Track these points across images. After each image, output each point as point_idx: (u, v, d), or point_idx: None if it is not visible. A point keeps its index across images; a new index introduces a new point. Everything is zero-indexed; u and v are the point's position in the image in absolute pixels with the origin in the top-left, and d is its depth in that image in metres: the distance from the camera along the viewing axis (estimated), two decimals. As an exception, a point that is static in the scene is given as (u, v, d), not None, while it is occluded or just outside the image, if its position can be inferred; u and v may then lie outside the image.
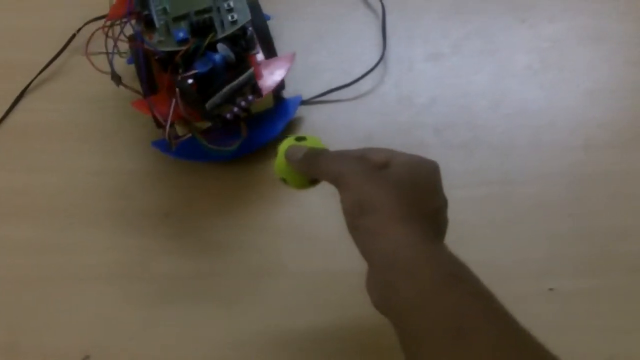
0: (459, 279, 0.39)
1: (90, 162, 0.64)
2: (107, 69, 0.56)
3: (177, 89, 0.54)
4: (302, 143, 0.48)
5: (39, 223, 0.61)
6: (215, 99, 0.55)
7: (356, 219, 0.41)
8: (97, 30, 0.58)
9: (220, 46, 0.56)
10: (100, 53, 0.57)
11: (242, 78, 0.55)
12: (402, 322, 0.38)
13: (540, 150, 0.64)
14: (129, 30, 0.57)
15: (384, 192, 0.40)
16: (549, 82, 0.67)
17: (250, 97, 0.56)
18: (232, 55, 0.56)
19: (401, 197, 0.40)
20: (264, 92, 0.58)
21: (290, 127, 0.65)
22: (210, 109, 0.55)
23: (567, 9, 0.71)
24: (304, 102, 0.66)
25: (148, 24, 0.57)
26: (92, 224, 0.61)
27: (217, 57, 0.55)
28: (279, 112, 0.64)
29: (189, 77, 0.54)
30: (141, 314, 0.57)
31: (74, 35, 0.69)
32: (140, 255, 0.60)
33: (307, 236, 0.60)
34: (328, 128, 0.65)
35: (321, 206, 0.61)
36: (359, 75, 0.67)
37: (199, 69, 0.55)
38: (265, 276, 0.59)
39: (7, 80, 0.68)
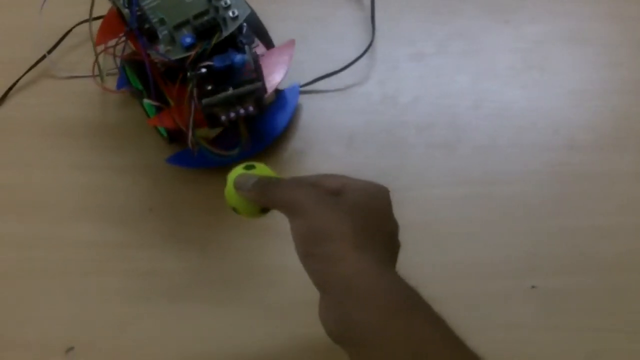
0: (415, 305, 0.37)
1: (75, 158, 0.61)
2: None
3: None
4: (252, 171, 0.45)
5: (23, 218, 0.58)
6: (213, 99, 0.52)
7: (312, 246, 0.38)
8: (101, 52, 0.56)
9: (248, 49, 0.53)
10: (84, 77, 0.57)
11: (248, 88, 0.53)
12: (360, 350, 0.36)
13: (523, 150, 0.60)
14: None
15: (340, 219, 0.38)
16: (531, 83, 0.64)
17: (250, 109, 0.54)
18: (252, 63, 0.53)
19: (357, 223, 0.38)
20: (271, 88, 0.56)
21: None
22: (205, 106, 0.52)
23: (549, 10, 0.68)
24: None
25: (149, 37, 0.53)
26: (77, 218, 0.58)
27: (237, 57, 0.52)
28: (279, 104, 0.61)
29: (204, 66, 0.52)
30: (125, 307, 0.54)
31: (62, 38, 0.65)
32: (124, 250, 0.57)
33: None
34: (312, 127, 0.62)
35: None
36: (344, 74, 0.63)
37: (216, 62, 0.52)
38: (248, 275, 0.56)
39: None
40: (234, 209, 0.45)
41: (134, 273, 0.56)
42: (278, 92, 0.61)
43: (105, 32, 0.55)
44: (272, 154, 0.60)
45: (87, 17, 0.58)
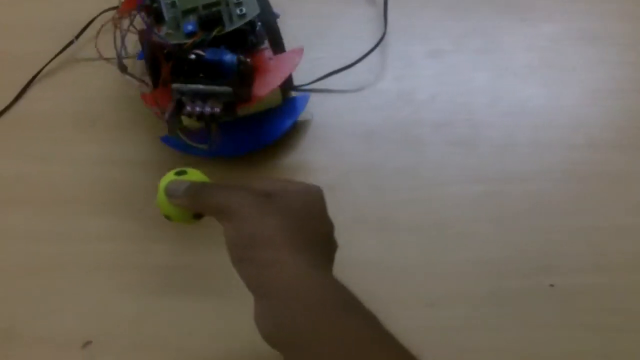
0: (350, 306, 0.37)
1: (93, 152, 0.60)
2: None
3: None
4: (183, 177, 0.44)
5: (40, 211, 0.58)
6: (183, 86, 0.51)
7: (244, 251, 0.37)
8: (107, 22, 0.55)
9: (241, 54, 0.53)
10: (110, 58, 0.55)
11: (216, 89, 0.51)
12: (296, 353, 0.36)
13: (540, 149, 0.60)
14: (140, 26, 0.55)
15: (274, 222, 0.37)
16: (549, 81, 0.63)
17: (216, 110, 0.52)
18: (241, 67, 0.52)
19: (291, 226, 0.38)
20: (262, 94, 0.54)
21: (296, 127, 0.61)
22: (174, 90, 0.51)
23: (566, 9, 0.68)
24: (298, 88, 0.62)
25: (157, 17, 0.54)
26: (93, 213, 0.58)
27: (228, 56, 0.52)
28: (286, 110, 0.59)
29: (194, 53, 0.51)
30: (142, 302, 0.54)
31: (86, 27, 0.65)
32: (141, 244, 0.56)
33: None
34: (328, 125, 0.61)
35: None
36: (360, 71, 0.63)
37: (207, 54, 0.51)
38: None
39: (17, 70, 0.64)
40: (167, 217, 0.44)
41: (152, 268, 0.55)
42: (287, 98, 0.60)
43: (128, 4, 0.55)
44: (288, 151, 0.60)
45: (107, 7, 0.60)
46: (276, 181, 0.41)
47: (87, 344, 0.52)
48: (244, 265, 0.38)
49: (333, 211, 0.56)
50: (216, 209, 0.40)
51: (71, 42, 0.64)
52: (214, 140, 0.54)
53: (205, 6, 0.53)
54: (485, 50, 0.65)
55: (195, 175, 0.44)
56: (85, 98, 0.63)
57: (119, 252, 0.56)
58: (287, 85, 0.58)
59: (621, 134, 0.60)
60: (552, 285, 0.52)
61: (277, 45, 0.57)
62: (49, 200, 0.58)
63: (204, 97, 0.52)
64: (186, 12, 0.54)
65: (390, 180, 0.58)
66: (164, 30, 0.53)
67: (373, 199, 0.58)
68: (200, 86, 0.51)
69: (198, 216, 0.44)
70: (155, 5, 0.54)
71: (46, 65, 0.64)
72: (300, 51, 0.57)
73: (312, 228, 0.39)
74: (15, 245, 0.56)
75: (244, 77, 0.53)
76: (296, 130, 0.61)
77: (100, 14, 0.64)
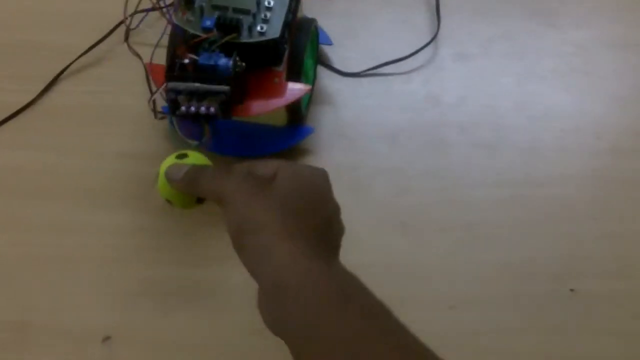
0: (349, 297, 0.35)
1: (118, 146, 0.60)
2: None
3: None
4: (184, 161, 0.42)
5: (63, 203, 0.57)
6: (179, 85, 0.50)
7: (242, 238, 0.36)
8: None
9: (234, 57, 0.51)
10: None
11: (214, 87, 0.49)
12: (296, 345, 0.34)
13: (565, 154, 0.59)
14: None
15: (269, 209, 0.36)
16: (575, 87, 0.63)
17: (212, 109, 0.50)
18: (237, 69, 0.51)
19: (287, 212, 0.36)
20: (246, 111, 0.52)
21: (323, 125, 0.60)
22: (170, 89, 0.50)
23: (594, 15, 0.67)
24: (350, 75, 0.62)
25: (187, 1, 0.52)
26: (116, 207, 0.57)
27: (223, 60, 0.50)
28: (286, 133, 0.58)
29: (190, 57, 0.50)
30: (163, 298, 0.53)
31: (120, 23, 0.64)
32: (162, 240, 0.55)
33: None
34: (355, 124, 0.61)
35: (349, 198, 0.56)
36: (388, 72, 0.63)
37: (201, 59, 0.50)
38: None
39: (48, 61, 0.64)
40: (168, 201, 0.43)
41: (174, 264, 0.54)
42: (292, 122, 0.58)
43: None
44: (314, 148, 0.59)
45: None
46: (277, 163, 0.39)
47: (106, 339, 0.51)
48: (241, 252, 0.37)
49: (357, 211, 0.56)
50: (212, 194, 0.39)
51: (120, 25, 0.63)
52: (206, 140, 0.53)
53: (236, 10, 0.52)
54: (513, 54, 0.65)
55: (196, 158, 0.43)
56: (112, 93, 0.63)
57: (140, 247, 0.55)
58: (295, 111, 0.57)
59: (647, 142, 0.60)
60: (572, 290, 0.52)
61: (292, 75, 0.55)
62: (72, 192, 0.57)
63: (200, 96, 0.50)
64: (216, 7, 0.52)
65: (415, 182, 0.58)
66: (188, 15, 0.52)
67: (398, 200, 0.57)
68: (197, 84, 0.50)
69: (200, 200, 0.42)
70: None
71: (77, 58, 0.63)
72: (304, 90, 0.54)
73: (309, 213, 0.37)
74: (37, 236, 0.56)
75: (240, 79, 0.51)
76: (323, 128, 0.60)
77: (134, 14, 0.63)
